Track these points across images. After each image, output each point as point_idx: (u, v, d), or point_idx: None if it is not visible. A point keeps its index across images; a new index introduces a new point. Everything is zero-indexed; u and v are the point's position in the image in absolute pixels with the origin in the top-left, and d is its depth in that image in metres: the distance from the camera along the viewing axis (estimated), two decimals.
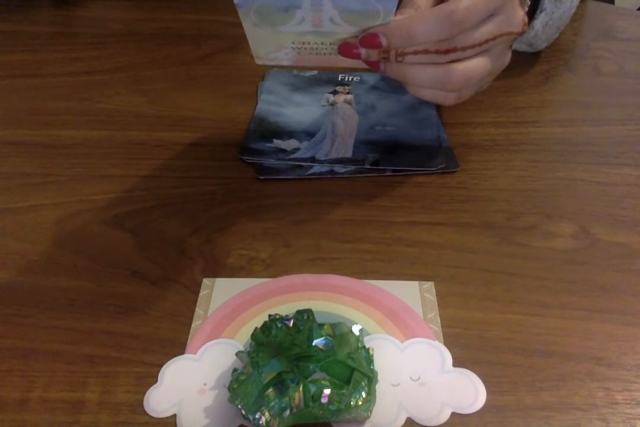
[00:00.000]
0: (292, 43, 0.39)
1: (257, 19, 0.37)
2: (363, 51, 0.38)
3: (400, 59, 0.38)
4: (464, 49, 0.38)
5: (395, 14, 0.37)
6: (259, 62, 0.41)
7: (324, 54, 0.39)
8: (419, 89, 0.41)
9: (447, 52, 0.38)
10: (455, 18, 0.36)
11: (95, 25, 0.68)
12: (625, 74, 0.58)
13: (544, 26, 0.55)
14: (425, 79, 0.39)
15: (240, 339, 0.34)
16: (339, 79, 0.56)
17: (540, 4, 0.54)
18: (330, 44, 0.38)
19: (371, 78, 0.55)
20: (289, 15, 0.36)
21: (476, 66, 0.39)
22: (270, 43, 0.39)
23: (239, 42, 0.63)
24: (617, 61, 0.60)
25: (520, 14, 0.40)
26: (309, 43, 0.39)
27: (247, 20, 0.37)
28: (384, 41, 0.37)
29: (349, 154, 0.46)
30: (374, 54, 0.38)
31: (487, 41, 0.38)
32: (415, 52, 0.38)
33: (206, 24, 0.68)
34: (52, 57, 0.62)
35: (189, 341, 0.34)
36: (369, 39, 0.37)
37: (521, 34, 0.41)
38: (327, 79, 0.56)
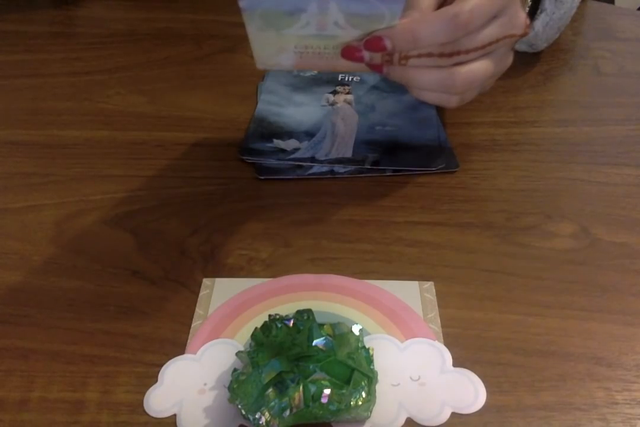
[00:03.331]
0: (295, 47, 0.39)
1: (262, 22, 0.37)
2: (366, 54, 0.38)
3: (403, 62, 0.38)
4: (467, 52, 0.38)
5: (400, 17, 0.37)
6: (260, 66, 0.40)
7: (326, 57, 0.39)
8: (422, 91, 0.40)
9: (450, 55, 0.37)
10: (460, 21, 0.36)
11: (95, 25, 0.68)
12: (625, 74, 0.58)
13: (545, 26, 0.55)
14: (429, 82, 0.39)
15: (240, 339, 0.34)
16: (339, 79, 0.56)
17: (540, 5, 0.54)
18: (333, 47, 0.38)
19: (371, 78, 0.55)
20: (294, 19, 0.36)
21: (479, 69, 0.39)
22: (273, 47, 0.39)
23: (239, 42, 0.63)
24: (617, 61, 0.60)
25: (523, 16, 0.40)
26: (311, 47, 0.38)
27: (251, 24, 0.37)
28: (388, 44, 0.37)
29: (349, 154, 0.46)
30: (377, 57, 0.38)
31: (490, 44, 0.38)
32: (419, 55, 0.38)
33: (206, 24, 0.68)
34: (52, 57, 0.62)
35: (189, 341, 0.34)
36: (373, 42, 0.37)
37: (523, 35, 0.41)
38: (327, 79, 0.56)
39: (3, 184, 0.45)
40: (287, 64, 0.40)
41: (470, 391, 0.31)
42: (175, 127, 0.51)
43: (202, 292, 0.36)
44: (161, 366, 0.32)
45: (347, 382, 0.29)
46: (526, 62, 0.59)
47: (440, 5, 0.39)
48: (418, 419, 0.30)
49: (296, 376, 0.28)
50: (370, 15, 0.36)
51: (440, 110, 0.51)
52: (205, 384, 0.31)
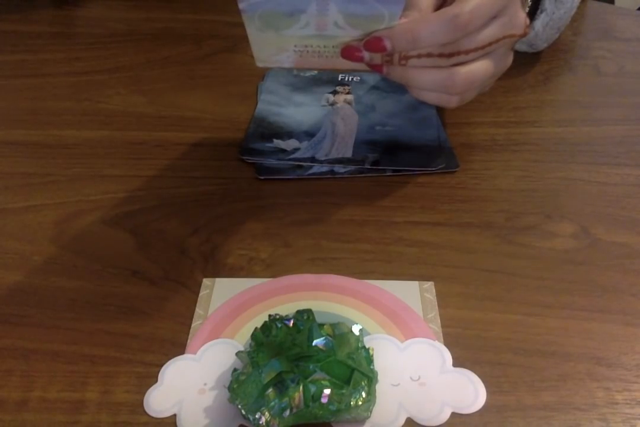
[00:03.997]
0: (295, 46, 0.39)
1: (261, 23, 0.37)
2: (366, 54, 0.38)
3: (403, 62, 0.38)
4: (467, 52, 0.38)
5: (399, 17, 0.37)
6: (260, 64, 0.40)
7: (326, 56, 0.39)
8: (422, 92, 0.40)
9: (450, 55, 0.37)
10: (460, 21, 0.36)
11: (95, 25, 0.68)
12: (625, 74, 0.58)
13: (545, 27, 0.55)
14: (429, 83, 0.39)
15: (240, 339, 0.34)
16: (339, 79, 0.56)
17: (540, 5, 0.54)
18: (333, 47, 0.38)
19: (371, 78, 0.55)
20: (293, 20, 0.36)
21: (479, 69, 0.39)
22: (273, 46, 0.39)
23: (239, 42, 0.63)
24: (617, 61, 0.60)
25: (522, 16, 0.40)
26: (311, 46, 0.39)
27: (251, 25, 0.37)
28: (388, 45, 0.37)
29: (349, 154, 0.46)
30: (377, 58, 0.38)
31: (490, 44, 0.38)
32: (419, 56, 0.38)
33: (206, 24, 0.68)
34: (52, 57, 0.62)
35: (189, 341, 0.34)
36: (373, 42, 0.37)
37: (523, 36, 0.41)
38: (327, 79, 0.56)
39: (3, 184, 0.45)
40: (286, 63, 0.40)
41: (470, 391, 0.31)
42: (175, 127, 0.51)
43: (202, 292, 0.36)
44: (161, 366, 0.32)
45: (347, 382, 0.29)
46: (526, 62, 0.59)
47: (439, 6, 0.39)
48: (418, 419, 0.30)
49: (296, 376, 0.28)
50: (369, 16, 0.36)
51: (440, 110, 0.51)
52: (205, 384, 0.31)
